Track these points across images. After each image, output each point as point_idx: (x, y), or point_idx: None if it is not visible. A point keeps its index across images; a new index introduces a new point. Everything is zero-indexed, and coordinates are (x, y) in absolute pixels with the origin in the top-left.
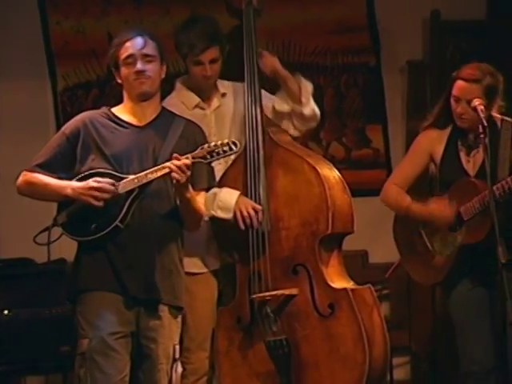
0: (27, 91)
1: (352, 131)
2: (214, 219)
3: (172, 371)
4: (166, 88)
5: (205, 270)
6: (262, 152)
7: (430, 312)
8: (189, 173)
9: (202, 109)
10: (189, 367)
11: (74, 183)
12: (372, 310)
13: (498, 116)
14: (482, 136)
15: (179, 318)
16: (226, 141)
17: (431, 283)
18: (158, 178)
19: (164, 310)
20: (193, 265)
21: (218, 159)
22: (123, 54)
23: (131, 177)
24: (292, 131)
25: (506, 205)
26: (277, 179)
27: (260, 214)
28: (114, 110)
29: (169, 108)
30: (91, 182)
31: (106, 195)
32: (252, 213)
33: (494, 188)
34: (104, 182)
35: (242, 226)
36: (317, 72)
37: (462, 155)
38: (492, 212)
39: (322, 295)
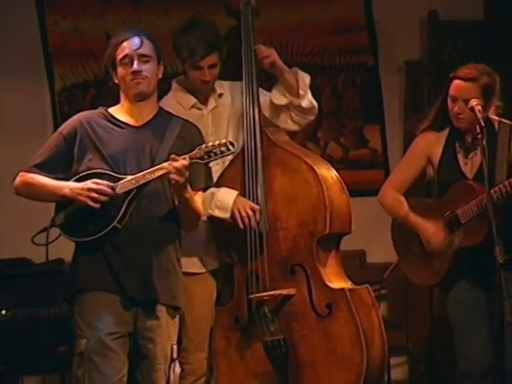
0: (25, 91)
1: (350, 131)
2: (212, 219)
3: (170, 371)
4: (164, 88)
5: (203, 270)
6: (259, 152)
7: (427, 312)
8: (187, 174)
9: (199, 109)
10: (187, 368)
11: (72, 184)
12: (370, 310)
13: (496, 118)
14: (479, 136)
15: (177, 318)
16: (223, 141)
17: (428, 285)
18: (156, 178)
19: (162, 310)
20: (191, 265)
21: (215, 159)
22: (120, 54)
23: (129, 177)
24: (290, 125)
25: (504, 208)
26: (275, 179)
27: (258, 214)
28: (111, 110)
29: (165, 108)
30: (90, 184)
31: (103, 197)
32: (250, 213)
33: (492, 191)
34: (102, 184)
35: (241, 226)
36: (314, 72)
37: (460, 157)
38: (490, 212)
39: (320, 295)
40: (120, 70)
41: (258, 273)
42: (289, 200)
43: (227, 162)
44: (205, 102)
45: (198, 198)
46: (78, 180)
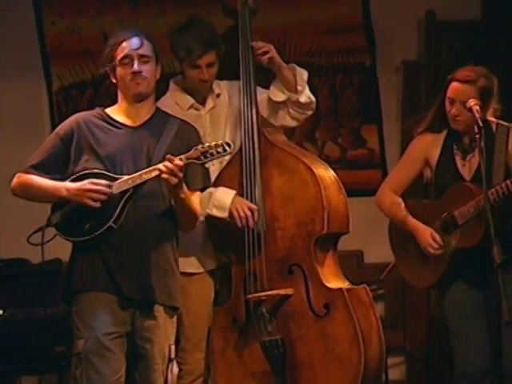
0: (22, 91)
1: (347, 131)
2: (209, 219)
3: (168, 371)
4: (161, 88)
5: (201, 270)
6: (257, 152)
7: (424, 312)
8: (181, 174)
9: (197, 109)
10: (185, 368)
11: (69, 184)
12: (367, 310)
13: (494, 120)
14: (477, 136)
15: (175, 318)
16: (219, 142)
17: (425, 286)
18: (152, 178)
19: (159, 310)
20: (189, 265)
21: (211, 160)
22: (120, 54)
23: (125, 177)
24: (289, 121)
25: (501, 209)
26: (272, 179)
27: (256, 214)
28: (108, 110)
29: (163, 109)
30: (87, 184)
31: (102, 197)
32: (248, 213)
33: (489, 192)
34: (100, 184)
35: (240, 225)
36: (312, 72)
37: (458, 159)
38: (487, 212)
39: (318, 295)
40: (119, 70)
41: (255, 273)
42: (286, 200)
43: (225, 163)
44: (203, 102)
45: (195, 199)
46: (74, 180)
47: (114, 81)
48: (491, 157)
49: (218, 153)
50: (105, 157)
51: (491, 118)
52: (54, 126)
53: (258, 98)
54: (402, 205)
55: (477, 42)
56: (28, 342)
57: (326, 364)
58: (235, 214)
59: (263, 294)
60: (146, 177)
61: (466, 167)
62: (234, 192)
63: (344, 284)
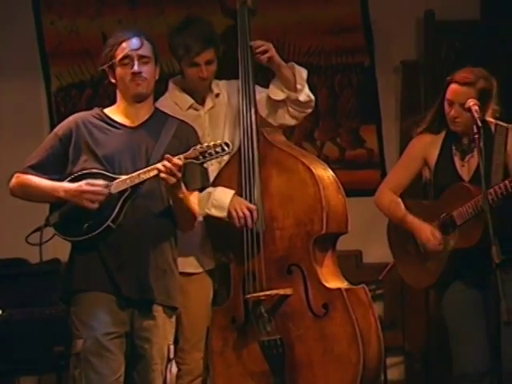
0: (21, 91)
1: (346, 131)
2: (208, 219)
3: (166, 371)
4: (160, 89)
5: (200, 269)
6: (256, 152)
7: (423, 312)
8: (179, 174)
9: (196, 110)
10: (184, 368)
11: (67, 185)
12: (366, 310)
13: (493, 121)
14: (476, 136)
15: (173, 318)
16: (218, 142)
17: (424, 286)
18: (151, 178)
19: (158, 310)
20: (188, 265)
21: (210, 160)
22: (119, 55)
23: (124, 177)
24: (288, 120)
25: (499, 209)
26: (271, 179)
27: (254, 213)
28: (107, 110)
29: (162, 109)
30: (84, 186)
31: (99, 198)
32: (246, 212)
33: (488, 193)
34: (97, 185)
35: (238, 225)
36: (311, 72)
37: (457, 160)
38: (486, 212)
39: (317, 295)
40: (119, 70)
41: (254, 273)
42: (285, 200)
43: (223, 163)
44: (202, 102)
45: (194, 199)
46: (72, 180)
47: (113, 81)
48: (490, 157)
49: (217, 153)
50: (103, 157)
51: (490, 119)
52: (52, 126)
53: (258, 96)
54: (401, 204)
55: (476, 42)
56: (27, 342)
57: (325, 364)
58: (234, 213)
59: (262, 293)
60: (145, 176)
61: (465, 168)
62: (232, 192)
63: (343, 284)
